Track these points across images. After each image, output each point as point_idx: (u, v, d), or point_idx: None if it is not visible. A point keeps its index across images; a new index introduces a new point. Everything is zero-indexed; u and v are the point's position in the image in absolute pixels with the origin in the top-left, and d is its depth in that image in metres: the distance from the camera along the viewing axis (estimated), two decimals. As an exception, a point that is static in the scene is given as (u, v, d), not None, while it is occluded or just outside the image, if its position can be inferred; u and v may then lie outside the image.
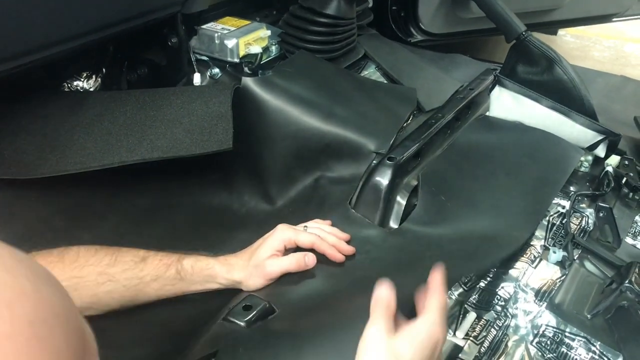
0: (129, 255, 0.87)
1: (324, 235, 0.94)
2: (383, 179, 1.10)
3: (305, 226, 0.97)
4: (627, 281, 0.88)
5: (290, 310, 0.83)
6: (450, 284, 0.83)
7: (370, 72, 1.58)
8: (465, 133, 1.34)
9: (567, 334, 0.87)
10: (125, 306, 0.87)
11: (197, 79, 1.38)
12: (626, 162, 1.25)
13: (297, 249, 0.92)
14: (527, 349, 0.84)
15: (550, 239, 1.05)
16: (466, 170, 1.20)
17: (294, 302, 0.85)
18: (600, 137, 1.26)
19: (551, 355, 0.83)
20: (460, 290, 0.93)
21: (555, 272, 0.98)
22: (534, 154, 1.24)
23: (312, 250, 0.92)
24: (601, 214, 1.10)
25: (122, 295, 0.85)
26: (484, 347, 0.84)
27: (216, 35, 1.39)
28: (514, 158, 1.23)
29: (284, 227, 0.93)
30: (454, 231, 1.03)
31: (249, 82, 1.23)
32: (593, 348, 0.85)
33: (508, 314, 0.90)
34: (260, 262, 0.89)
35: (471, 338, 0.85)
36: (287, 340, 0.77)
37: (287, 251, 0.92)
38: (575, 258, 1.01)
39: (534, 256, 1.01)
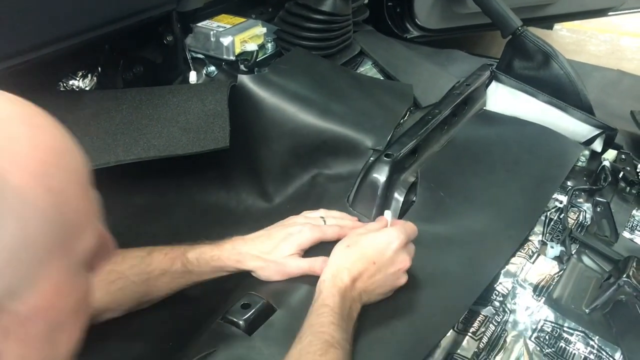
0: (135, 252, 0.87)
1: (345, 224, 0.95)
2: (380, 175, 1.10)
3: (322, 217, 0.97)
4: (624, 275, 0.88)
5: (290, 312, 0.83)
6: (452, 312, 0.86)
7: (367, 69, 1.58)
8: (464, 128, 1.34)
9: (565, 328, 0.87)
10: (141, 303, 0.86)
11: (193, 77, 1.37)
12: (623, 157, 1.25)
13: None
14: (526, 344, 0.84)
15: (548, 234, 1.05)
16: (465, 166, 1.20)
17: (295, 302, 0.85)
18: (597, 132, 1.27)
19: (550, 350, 0.83)
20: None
21: (553, 267, 0.98)
22: (533, 149, 1.24)
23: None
24: (598, 209, 1.10)
25: (134, 291, 0.84)
26: (482, 342, 0.84)
27: (212, 33, 1.38)
28: (513, 154, 1.23)
29: (311, 228, 0.91)
30: (453, 228, 1.03)
31: (245, 79, 1.23)
32: (591, 342, 0.85)
33: (506, 309, 0.90)
34: (281, 260, 0.88)
35: (470, 334, 0.85)
36: (286, 346, 0.77)
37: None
38: (573, 253, 1.01)
39: (532, 251, 1.01)
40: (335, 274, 0.81)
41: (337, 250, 0.85)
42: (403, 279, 0.84)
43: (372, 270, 0.81)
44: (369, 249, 0.83)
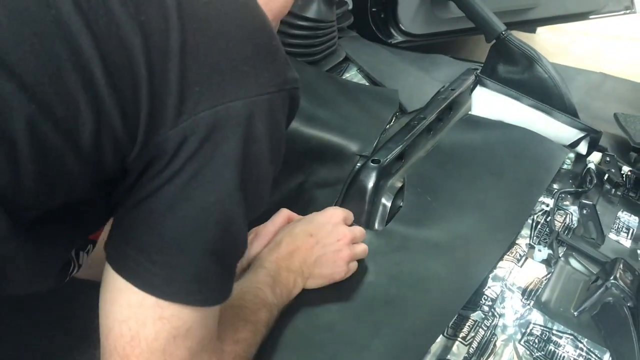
0: None
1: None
2: (367, 181, 1.10)
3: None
4: (612, 277, 0.88)
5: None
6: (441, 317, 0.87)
7: (352, 75, 1.58)
8: (450, 133, 1.34)
9: (554, 331, 0.87)
10: None
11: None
12: (607, 159, 1.26)
13: None
14: (516, 348, 0.84)
15: (535, 237, 1.06)
16: (451, 170, 1.21)
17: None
18: (581, 135, 1.27)
19: (539, 353, 0.83)
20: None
21: (541, 271, 0.98)
22: (518, 153, 1.25)
23: None
24: (584, 211, 1.11)
25: None
26: (472, 347, 0.84)
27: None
28: (498, 158, 1.24)
29: (264, 226, 0.94)
30: (440, 233, 1.03)
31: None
32: (580, 345, 0.85)
33: (495, 313, 0.90)
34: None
35: (459, 339, 0.85)
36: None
37: None
38: (560, 255, 1.01)
39: (520, 255, 1.01)
40: (273, 247, 0.87)
41: (282, 229, 0.91)
42: (345, 253, 0.88)
43: (310, 242, 0.87)
44: (309, 225, 0.90)
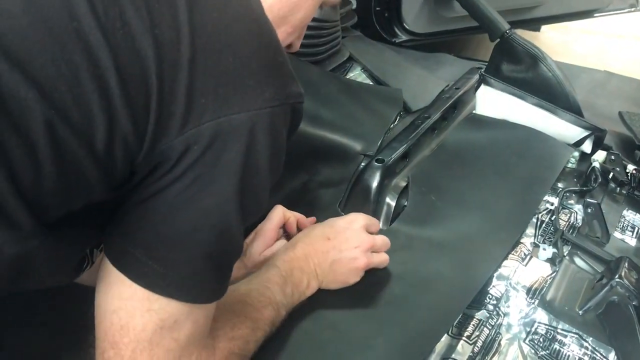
0: None
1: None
2: (372, 180, 1.10)
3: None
4: (617, 276, 0.88)
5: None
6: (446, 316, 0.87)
7: (356, 74, 1.58)
8: (454, 132, 1.34)
9: (559, 330, 0.87)
10: None
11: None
12: (612, 157, 1.26)
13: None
14: (520, 347, 0.84)
15: (539, 236, 1.06)
16: (456, 169, 1.21)
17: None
18: (586, 133, 1.27)
19: (544, 352, 0.83)
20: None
21: (545, 269, 0.98)
22: (522, 152, 1.24)
23: None
24: (589, 210, 1.11)
25: None
26: (477, 346, 0.84)
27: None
28: (503, 157, 1.24)
29: (261, 226, 0.96)
30: (445, 232, 1.03)
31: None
32: (585, 344, 0.85)
33: (500, 312, 0.90)
34: (259, 258, 0.91)
35: (464, 338, 0.85)
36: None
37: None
38: (565, 254, 1.01)
39: (524, 254, 1.01)
40: (289, 247, 0.88)
41: (302, 231, 0.92)
42: (361, 261, 0.87)
43: (326, 246, 0.87)
44: (328, 228, 0.90)
